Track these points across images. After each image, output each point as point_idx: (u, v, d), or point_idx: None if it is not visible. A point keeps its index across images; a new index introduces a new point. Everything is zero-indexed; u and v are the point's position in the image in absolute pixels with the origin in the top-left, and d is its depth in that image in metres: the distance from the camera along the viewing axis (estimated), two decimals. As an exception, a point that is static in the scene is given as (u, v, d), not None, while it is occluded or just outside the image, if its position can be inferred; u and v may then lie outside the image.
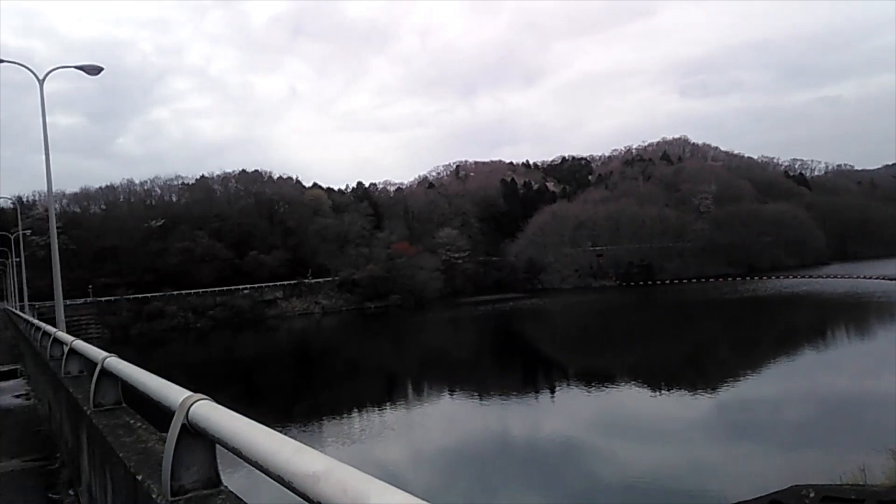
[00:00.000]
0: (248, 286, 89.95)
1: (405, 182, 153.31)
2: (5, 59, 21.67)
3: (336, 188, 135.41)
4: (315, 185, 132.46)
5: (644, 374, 31.17)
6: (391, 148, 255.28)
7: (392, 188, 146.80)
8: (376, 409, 27.73)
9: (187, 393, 2.73)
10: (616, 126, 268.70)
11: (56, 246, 20.04)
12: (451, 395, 30.58)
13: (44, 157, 20.96)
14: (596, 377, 31.06)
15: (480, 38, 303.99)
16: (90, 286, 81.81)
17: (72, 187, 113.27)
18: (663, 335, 47.46)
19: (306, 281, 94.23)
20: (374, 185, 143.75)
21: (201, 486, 2.56)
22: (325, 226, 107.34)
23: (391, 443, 21.82)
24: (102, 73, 22.26)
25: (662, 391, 27.14)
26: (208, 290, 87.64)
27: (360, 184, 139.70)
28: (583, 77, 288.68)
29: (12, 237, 52.15)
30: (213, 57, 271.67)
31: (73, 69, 22.10)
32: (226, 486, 2.60)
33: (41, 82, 21.48)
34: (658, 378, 29.63)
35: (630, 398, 26.72)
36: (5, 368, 16.39)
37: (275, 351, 56.97)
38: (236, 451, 2.08)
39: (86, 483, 4.65)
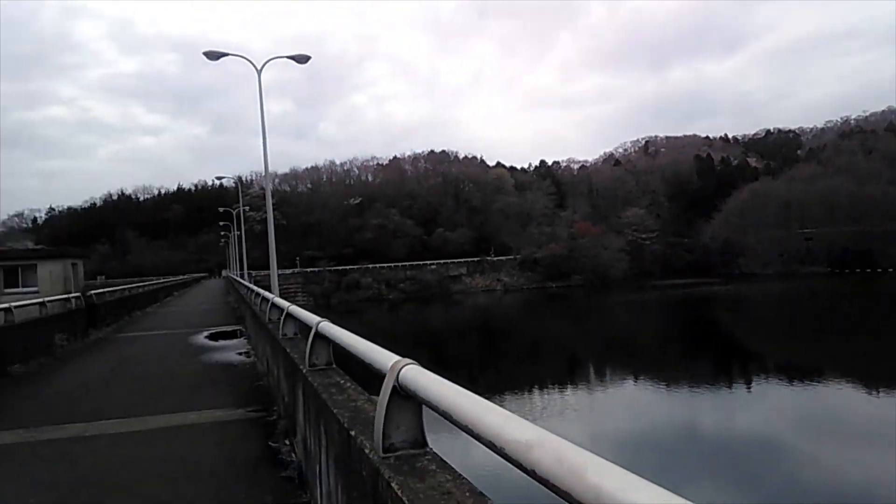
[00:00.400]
0: (435, 262, 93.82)
1: (590, 159, 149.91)
2: (230, 52, 24.19)
3: (519, 167, 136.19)
4: (498, 163, 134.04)
5: (860, 371, 27.87)
6: (575, 125, 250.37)
7: (576, 166, 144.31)
8: (557, 387, 27.67)
9: (396, 357, 2.88)
10: (831, 95, 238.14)
11: (272, 221, 22.26)
12: (636, 380, 29.64)
13: (261, 140, 23.24)
14: (801, 372, 28.36)
15: (674, 4, 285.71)
16: (297, 257, 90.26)
17: (282, 168, 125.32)
18: (886, 329, 42.07)
19: (489, 258, 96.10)
20: (558, 162, 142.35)
21: (409, 445, 2.70)
22: (508, 204, 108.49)
23: (573, 423, 21.67)
24: (309, 61, 24.24)
25: (882, 392, 24.12)
26: (399, 264, 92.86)
27: (542, 162, 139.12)
28: (792, 41, 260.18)
29: (234, 213, 58.87)
30: (405, 42, 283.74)
31: (285, 59, 24.19)
32: (430, 448, 2.72)
33: (259, 72, 23.74)
34: (877, 377, 26.36)
35: (841, 397, 24.07)
36: (229, 328, 18.62)
37: (459, 324, 58.95)
38: (446, 415, 2.16)
39: (301, 435, 5.14)
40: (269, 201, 23.24)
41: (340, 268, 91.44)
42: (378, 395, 3.92)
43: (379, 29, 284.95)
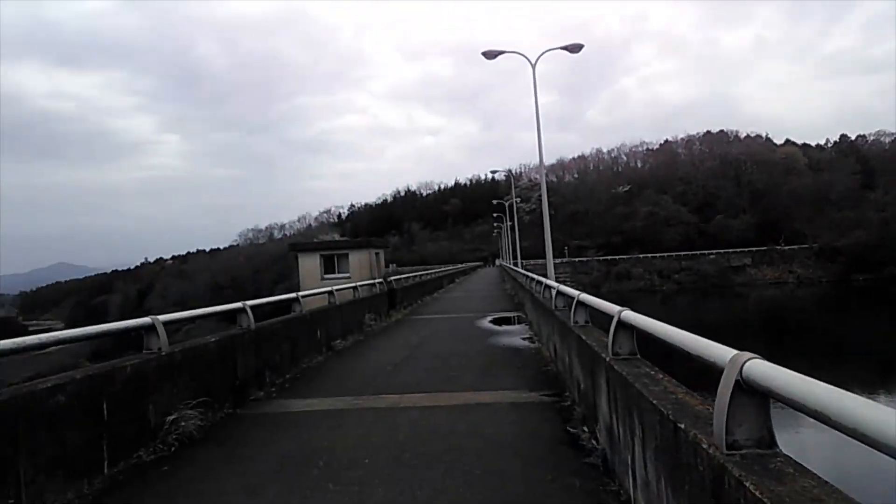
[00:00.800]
0: (714, 251, 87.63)
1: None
2: (504, 49, 25.16)
3: (813, 143, 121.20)
4: (787, 141, 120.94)
5: None
6: (885, 92, 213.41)
7: (887, 139, 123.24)
8: (867, 397, 24.00)
9: (734, 350, 2.72)
10: None
11: (547, 213, 22.72)
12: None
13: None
14: None
15: None
16: (566, 247, 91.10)
17: (549, 159, 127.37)
18: None
19: (778, 247, 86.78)
20: (864, 136, 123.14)
21: (754, 444, 2.53)
22: (800, 186, 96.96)
23: None
24: (581, 50, 24.18)
25: None
26: (673, 254, 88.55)
27: (843, 137, 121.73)
28: None
29: (506, 204, 61.40)
30: (676, 18, 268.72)
31: (556, 50, 24.44)
32: (780, 449, 2.52)
33: (533, 66, 24.31)
34: None
35: None
36: (510, 314, 19.47)
37: (744, 319, 54.28)
38: (821, 416, 1.97)
39: (604, 423, 5.14)
40: (545, 193, 23.73)
41: (609, 257, 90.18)
42: (691, 387, 3.78)
43: (646, 6, 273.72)
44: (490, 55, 24.67)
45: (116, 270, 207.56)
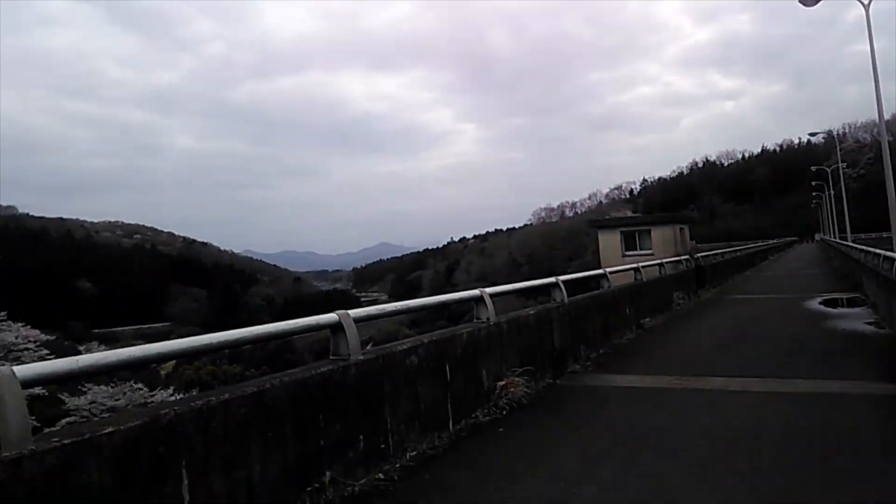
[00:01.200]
0: None
1: None
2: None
3: None
4: None
5: None
6: None
7: None
8: None
9: None
10: None
11: (890, 174, 19.33)
12: None
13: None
14: None
15: None
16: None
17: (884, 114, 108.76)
18: None
19: None
20: None
21: None
22: None
23: None
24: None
25: None
26: None
27: None
28: None
29: (829, 171, 53.82)
30: None
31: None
32: None
33: (866, 6, 20.94)
34: None
35: None
36: (844, 296, 17.02)
37: None
38: None
39: None
40: (886, 152, 20.17)
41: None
42: None
43: None
44: (809, 2, 21.75)
45: (427, 249, 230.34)
